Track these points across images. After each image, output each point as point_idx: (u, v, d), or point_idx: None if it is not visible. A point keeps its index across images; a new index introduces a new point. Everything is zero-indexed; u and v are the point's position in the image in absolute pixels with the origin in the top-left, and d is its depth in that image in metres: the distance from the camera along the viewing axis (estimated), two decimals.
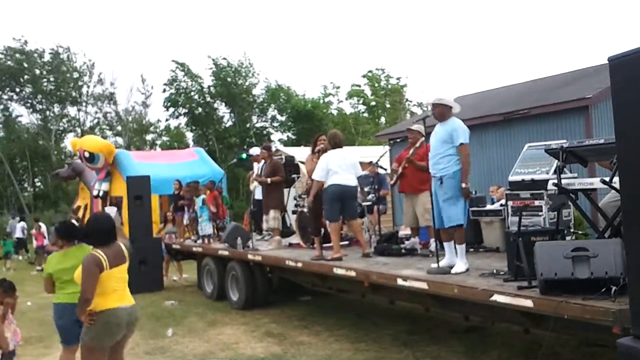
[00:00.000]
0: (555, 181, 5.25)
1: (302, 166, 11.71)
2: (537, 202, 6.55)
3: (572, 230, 6.61)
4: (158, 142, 43.79)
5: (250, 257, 9.21)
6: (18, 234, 20.81)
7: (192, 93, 40.59)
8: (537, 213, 6.47)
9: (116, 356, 4.80)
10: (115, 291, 4.55)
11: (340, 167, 7.59)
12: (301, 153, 15.53)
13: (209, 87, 40.52)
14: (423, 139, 7.62)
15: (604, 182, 4.77)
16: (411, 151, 7.75)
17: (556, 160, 5.65)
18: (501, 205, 7.54)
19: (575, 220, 7.28)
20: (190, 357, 7.01)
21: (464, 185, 5.86)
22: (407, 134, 7.99)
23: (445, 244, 6.10)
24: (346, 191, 7.63)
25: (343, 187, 7.58)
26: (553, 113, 12.98)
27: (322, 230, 8.36)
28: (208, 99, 40.79)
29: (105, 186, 17.17)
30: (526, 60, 60.42)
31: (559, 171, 5.26)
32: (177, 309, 9.97)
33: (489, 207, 7.85)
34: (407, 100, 43.49)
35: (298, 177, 11.52)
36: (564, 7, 61.85)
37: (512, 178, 6.93)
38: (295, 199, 10.36)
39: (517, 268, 5.09)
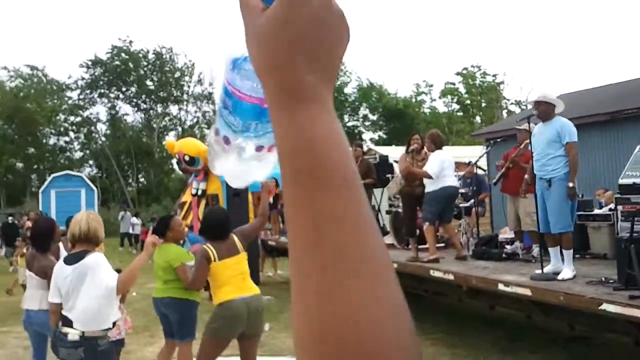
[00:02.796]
0: None
1: (395, 166, 11.64)
2: None
3: None
4: None
5: None
6: (124, 228, 21.75)
7: None
8: None
9: (247, 355, 4.85)
10: (230, 283, 4.64)
11: (451, 168, 7.58)
12: (394, 152, 15.43)
13: None
14: (527, 140, 7.41)
15: None
16: (517, 151, 7.55)
17: None
18: (610, 209, 7.19)
19: None
20: (287, 352, 7.12)
21: (570, 184, 5.64)
22: (517, 133, 7.76)
23: (550, 249, 5.89)
24: (455, 194, 7.74)
25: (456, 189, 7.69)
26: None
27: (417, 231, 8.28)
28: None
29: (203, 185, 17.94)
30: (633, 56, 57.12)
31: None
32: (273, 304, 10.16)
33: (596, 211, 7.51)
34: (504, 98, 42.29)
35: (392, 177, 11.44)
36: None
37: (623, 181, 6.60)
38: (389, 199, 10.29)
39: (629, 276, 4.87)
